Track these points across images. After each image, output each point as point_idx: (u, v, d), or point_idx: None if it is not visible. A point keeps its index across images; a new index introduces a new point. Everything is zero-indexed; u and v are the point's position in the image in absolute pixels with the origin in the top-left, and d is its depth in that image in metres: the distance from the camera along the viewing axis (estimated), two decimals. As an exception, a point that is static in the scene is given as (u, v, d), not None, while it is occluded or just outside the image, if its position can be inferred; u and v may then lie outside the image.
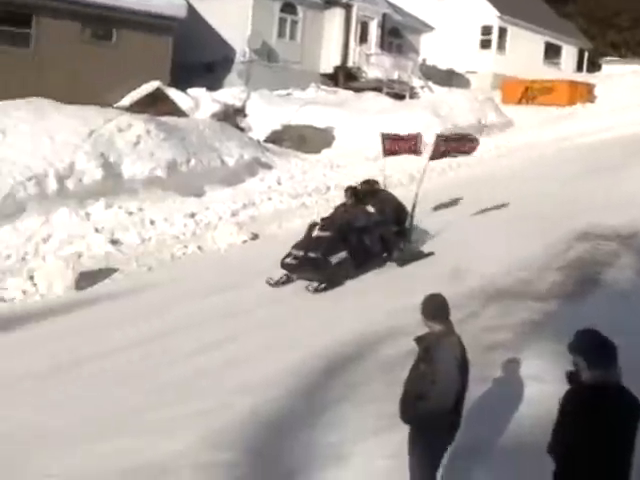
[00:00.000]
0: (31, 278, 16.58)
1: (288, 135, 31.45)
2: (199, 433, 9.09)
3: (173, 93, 32.16)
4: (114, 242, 19.19)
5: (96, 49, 30.89)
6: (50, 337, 13.53)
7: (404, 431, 7.24)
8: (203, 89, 33.66)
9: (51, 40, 29.11)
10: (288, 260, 15.48)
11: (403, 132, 19.19)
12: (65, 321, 14.52)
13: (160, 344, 12.70)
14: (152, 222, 20.54)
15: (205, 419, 9.48)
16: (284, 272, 15.53)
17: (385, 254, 16.30)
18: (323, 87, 39.12)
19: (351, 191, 16.82)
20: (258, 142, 29.32)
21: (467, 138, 18.37)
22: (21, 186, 20.20)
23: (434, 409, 6.80)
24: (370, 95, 37.98)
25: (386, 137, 18.47)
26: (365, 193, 16.80)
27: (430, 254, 16.38)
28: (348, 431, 8.81)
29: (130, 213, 21.11)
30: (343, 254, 15.41)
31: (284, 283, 15.51)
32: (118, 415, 9.97)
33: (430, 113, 33.92)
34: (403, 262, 16.08)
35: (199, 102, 32.55)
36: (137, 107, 28.60)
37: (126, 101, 30.40)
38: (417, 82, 43.58)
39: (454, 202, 21.20)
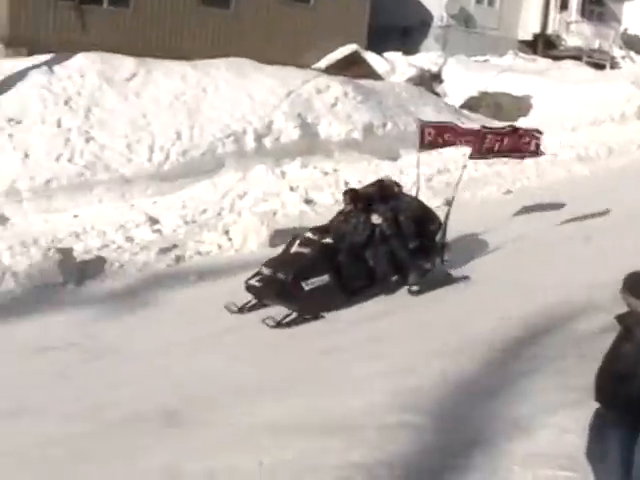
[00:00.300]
0: (226, 233, 17.04)
1: (484, 102, 31.07)
2: (387, 394, 9.12)
3: (369, 56, 32.23)
4: (308, 201, 19.49)
5: (294, 11, 31.11)
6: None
7: (594, 407, 7.14)
8: (399, 53, 33.54)
9: (250, 2, 29.57)
10: (252, 281, 12.82)
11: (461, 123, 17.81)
12: (258, 276, 14.84)
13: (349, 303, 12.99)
14: (346, 183, 20.58)
15: (393, 380, 9.53)
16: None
17: (396, 277, 13.31)
18: (521, 54, 38.48)
19: (350, 195, 13.71)
20: (454, 108, 29.14)
21: (526, 134, 15.12)
22: (220, 143, 20.80)
23: (637, 391, 6.65)
24: (570, 64, 37.16)
25: (426, 125, 15.31)
26: (371, 198, 13.55)
27: (465, 278, 13.55)
28: (538, 403, 8.71)
29: (325, 173, 21.40)
30: (324, 278, 12.49)
31: (251, 309, 12.90)
32: (310, 372, 10.20)
33: (631, 84, 32.87)
34: (419, 289, 13.16)
35: (395, 66, 32.51)
36: (333, 69, 28.87)
37: (323, 63, 30.65)
38: (618, 52, 42.35)
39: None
